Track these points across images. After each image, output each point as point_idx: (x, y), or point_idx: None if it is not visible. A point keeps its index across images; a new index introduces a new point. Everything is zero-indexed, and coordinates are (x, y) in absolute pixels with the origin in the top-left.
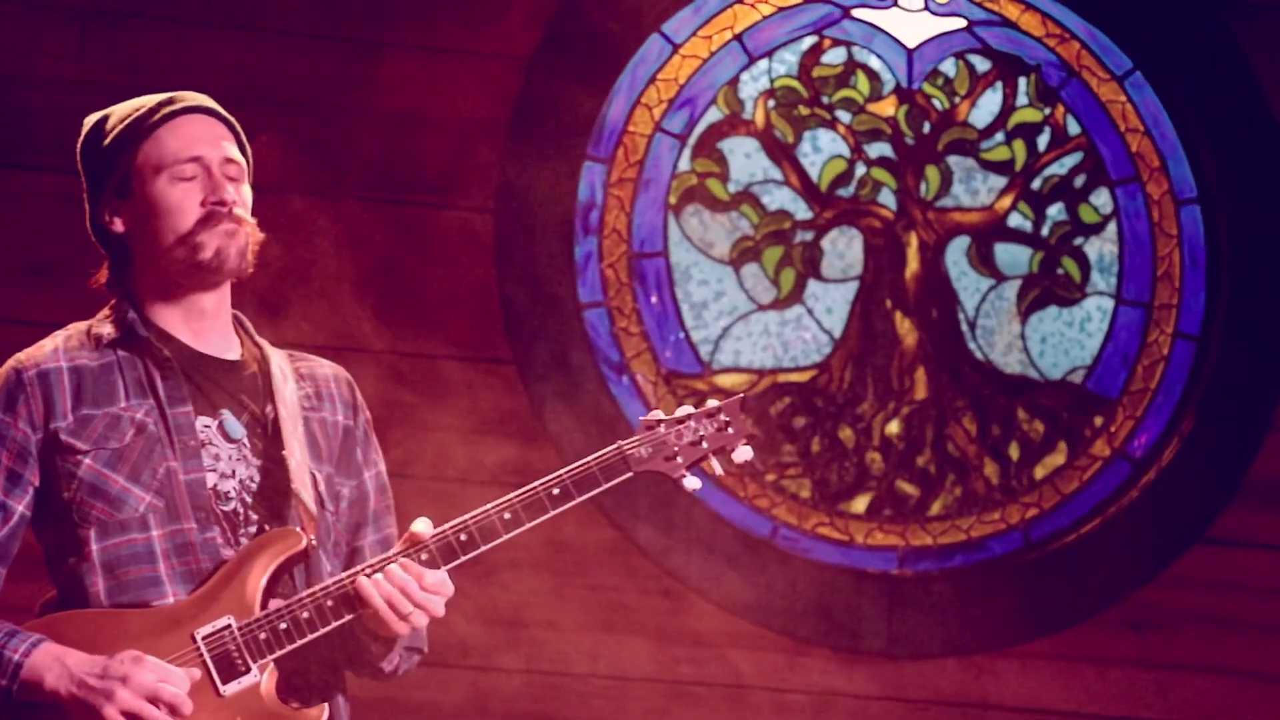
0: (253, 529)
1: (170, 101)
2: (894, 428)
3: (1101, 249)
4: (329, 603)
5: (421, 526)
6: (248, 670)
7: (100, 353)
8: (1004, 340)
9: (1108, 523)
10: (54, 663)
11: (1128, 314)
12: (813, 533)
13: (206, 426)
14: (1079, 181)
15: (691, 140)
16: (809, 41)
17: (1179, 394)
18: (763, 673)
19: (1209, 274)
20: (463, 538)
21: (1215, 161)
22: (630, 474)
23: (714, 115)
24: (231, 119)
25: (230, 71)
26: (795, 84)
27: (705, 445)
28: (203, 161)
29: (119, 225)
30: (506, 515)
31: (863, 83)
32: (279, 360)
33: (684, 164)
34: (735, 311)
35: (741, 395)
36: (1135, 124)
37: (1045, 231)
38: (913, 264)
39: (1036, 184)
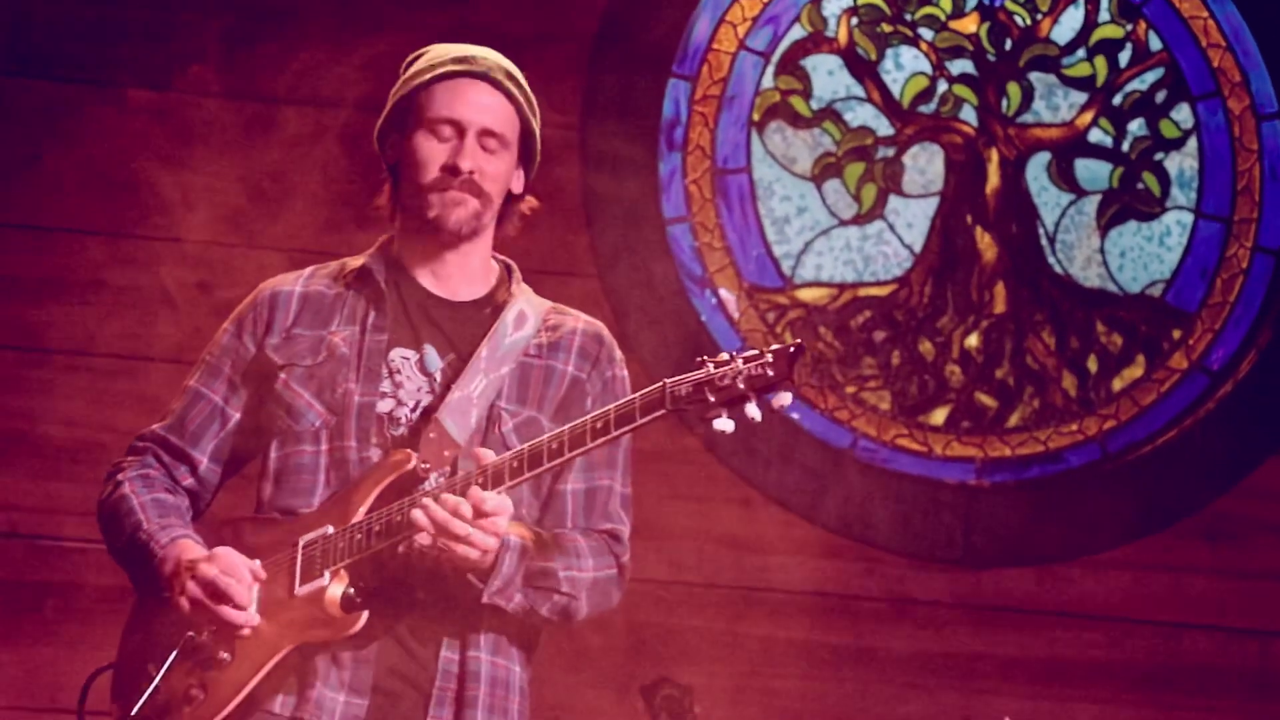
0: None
1: (464, 61)
2: (973, 341)
3: (1182, 164)
4: (397, 518)
5: (483, 453)
6: (320, 574)
7: (339, 281)
8: (1083, 255)
9: (1185, 434)
10: (176, 555)
11: (1207, 228)
12: (892, 444)
13: (405, 358)
14: (1160, 97)
15: (775, 58)
16: None
17: (1258, 307)
18: (840, 580)
19: None
20: (514, 464)
21: None
22: (665, 411)
23: (797, 33)
24: (519, 92)
25: None
26: (878, 1)
27: (743, 387)
28: (459, 125)
29: (390, 156)
30: (554, 445)
31: (945, 0)
32: (524, 307)
33: (767, 81)
34: (817, 227)
35: (797, 342)
36: (1217, 39)
37: (1126, 147)
38: (993, 180)
39: (1117, 100)
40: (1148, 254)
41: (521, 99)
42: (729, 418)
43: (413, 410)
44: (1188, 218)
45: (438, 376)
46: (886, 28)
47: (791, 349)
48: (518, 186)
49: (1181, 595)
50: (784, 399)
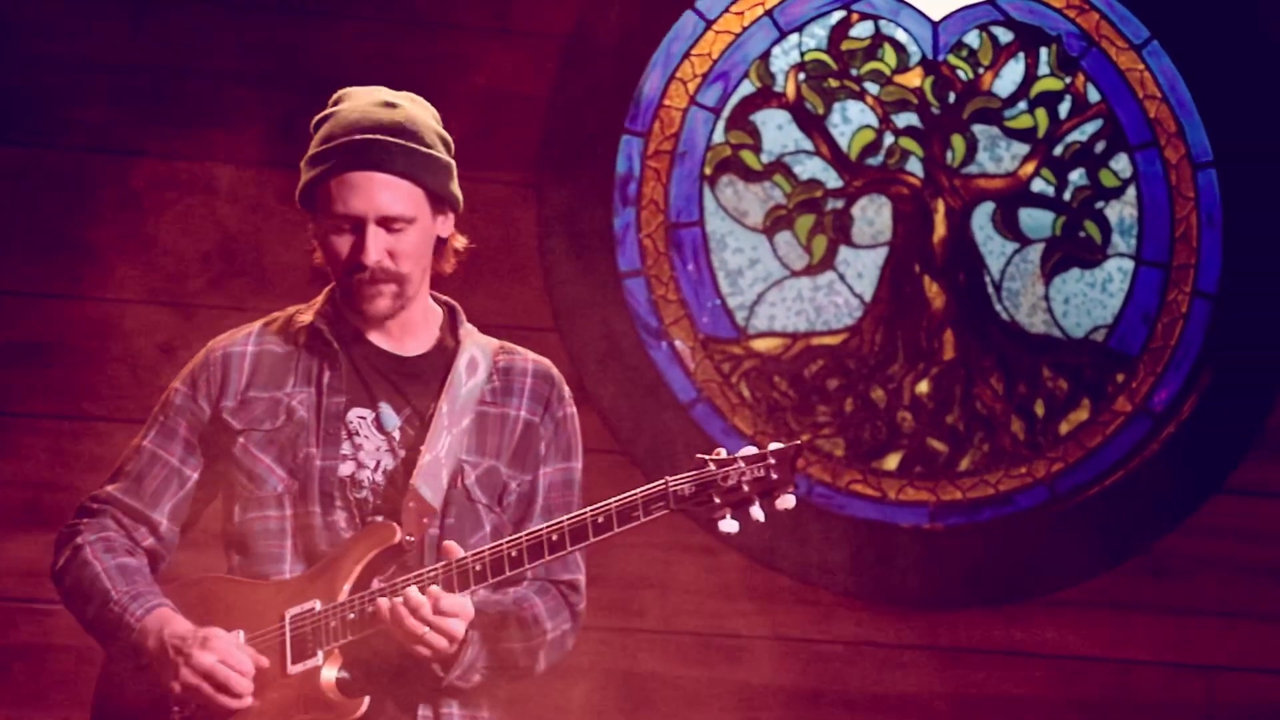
0: (378, 518)
1: (347, 149)
2: (924, 387)
3: (1122, 212)
4: (369, 608)
5: (451, 547)
6: (314, 654)
7: (289, 339)
8: (1029, 301)
9: (1130, 475)
10: (158, 629)
11: (1147, 274)
12: (846, 490)
13: (361, 418)
14: (1099, 147)
15: (725, 113)
16: (837, 16)
17: (1197, 350)
18: (799, 625)
19: (1225, 235)
20: (513, 554)
21: (1230, 125)
22: (668, 510)
23: (746, 89)
24: (417, 160)
25: (274, 53)
26: (825, 57)
27: (747, 490)
28: (357, 219)
29: (311, 226)
30: (554, 538)
31: (890, 55)
32: (474, 353)
33: (718, 136)
34: (769, 278)
35: (797, 443)
36: (1153, 91)
37: (1067, 196)
38: (940, 229)
39: (1058, 150)
40: (1091, 300)
41: (419, 166)
42: (733, 519)
43: (374, 471)
44: (1128, 264)
45: (396, 435)
46: (833, 83)
47: (792, 450)
48: (445, 231)
49: (1130, 633)
50: (788, 501)
